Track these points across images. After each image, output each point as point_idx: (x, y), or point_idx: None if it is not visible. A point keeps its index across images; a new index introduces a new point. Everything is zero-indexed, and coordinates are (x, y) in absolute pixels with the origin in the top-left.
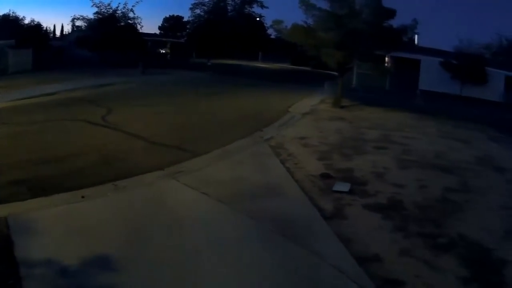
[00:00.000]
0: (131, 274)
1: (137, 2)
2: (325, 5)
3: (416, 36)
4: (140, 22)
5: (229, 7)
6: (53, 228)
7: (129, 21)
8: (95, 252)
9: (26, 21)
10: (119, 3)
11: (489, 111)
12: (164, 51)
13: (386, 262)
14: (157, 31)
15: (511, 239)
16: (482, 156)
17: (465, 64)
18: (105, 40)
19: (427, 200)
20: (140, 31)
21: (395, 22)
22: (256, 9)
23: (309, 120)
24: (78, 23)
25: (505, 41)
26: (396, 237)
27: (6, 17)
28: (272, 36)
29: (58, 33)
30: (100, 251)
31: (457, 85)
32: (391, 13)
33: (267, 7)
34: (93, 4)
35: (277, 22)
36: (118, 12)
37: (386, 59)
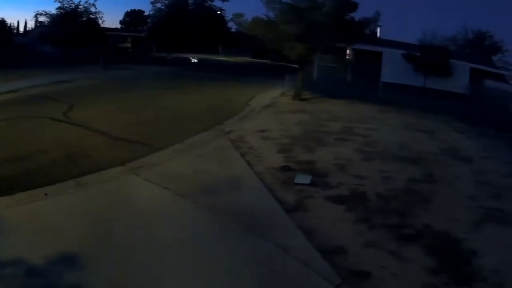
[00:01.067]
0: (93, 270)
1: None
2: None
3: (378, 29)
4: (102, 17)
5: (190, 1)
6: (17, 227)
7: (91, 16)
8: (59, 250)
9: None
10: None
11: (453, 103)
12: (125, 46)
13: (351, 253)
14: (119, 26)
15: (479, 228)
16: (447, 147)
17: (428, 57)
18: (68, 36)
19: (391, 191)
20: (102, 26)
21: (358, 14)
22: (216, 2)
23: (269, 113)
24: (41, 18)
25: (471, 33)
26: (360, 229)
27: None
28: (233, 30)
29: (22, 29)
30: (64, 249)
31: (421, 77)
32: (353, 6)
33: (227, 0)
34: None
35: (238, 15)
36: (80, 7)
37: (348, 51)
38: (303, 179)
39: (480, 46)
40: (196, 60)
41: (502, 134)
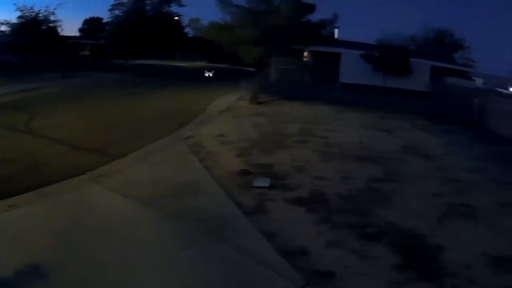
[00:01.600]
0: (58, 280)
1: (59, 5)
2: (243, 2)
3: (336, 30)
4: (61, 25)
5: (147, 7)
6: None
7: (50, 24)
8: (25, 260)
9: None
10: (41, 6)
11: (414, 101)
12: (84, 54)
13: (313, 254)
14: (78, 34)
15: (444, 224)
16: (408, 145)
17: (387, 56)
18: (28, 45)
19: (352, 191)
20: (61, 34)
21: (316, 16)
22: (173, 8)
23: (227, 117)
24: (2, 28)
25: (431, 32)
26: (322, 229)
27: None
28: (190, 35)
29: None
30: (30, 259)
31: (380, 77)
32: (310, 8)
33: (184, 6)
34: (17, 8)
35: (194, 20)
36: (40, 15)
37: (305, 53)
38: (262, 182)
39: (441, 44)
40: (210, 74)
41: (463, 130)
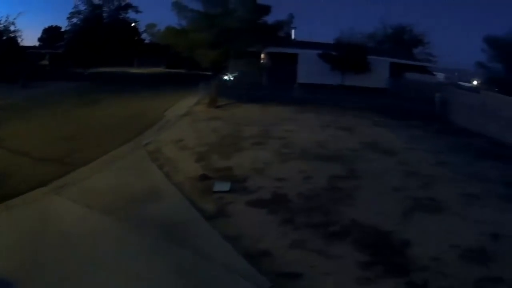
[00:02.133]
0: None
1: (19, 14)
2: (198, 6)
3: (293, 31)
4: (21, 35)
5: (104, 14)
6: None
7: (11, 34)
8: None
9: None
10: (1, 17)
11: (373, 98)
12: (44, 63)
13: (278, 256)
14: (37, 43)
15: (409, 219)
16: (368, 142)
17: (345, 55)
18: None
19: (313, 190)
20: (21, 44)
21: (274, 16)
22: (131, 14)
23: (186, 122)
24: None
25: (390, 29)
26: (285, 230)
27: None
28: (147, 41)
29: None
30: None
31: (338, 75)
32: (266, 10)
33: (141, 12)
34: None
35: (151, 26)
36: (0, 26)
37: (262, 55)
38: (222, 186)
39: (400, 41)
40: (231, 78)
41: (424, 124)
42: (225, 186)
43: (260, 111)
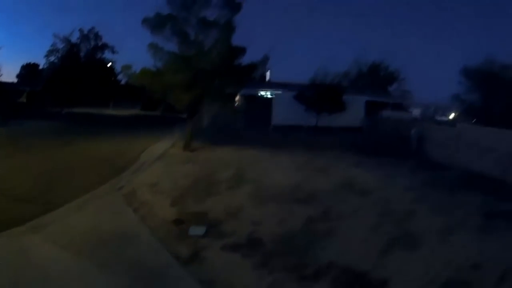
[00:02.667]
0: None
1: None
2: (174, 48)
3: (268, 72)
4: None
5: (82, 53)
6: None
7: None
8: None
9: None
10: None
11: (348, 137)
12: (21, 101)
13: None
14: (15, 80)
15: (385, 257)
16: (342, 182)
17: (320, 95)
18: None
19: (288, 233)
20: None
21: (248, 57)
22: (108, 54)
23: (160, 165)
24: None
25: (365, 67)
26: (260, 274)
27: None
28: (123, 82)
29: None
30: None
31: (314, 116)
32: (241, 51)
33: (117, 52)
34: None
35: (126, 67)
36: None
37: (238, 97)
38: (197, 230)
39: (375, 78)
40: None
41: (400, 161)
42: (200, 230)
43: (234, 154)
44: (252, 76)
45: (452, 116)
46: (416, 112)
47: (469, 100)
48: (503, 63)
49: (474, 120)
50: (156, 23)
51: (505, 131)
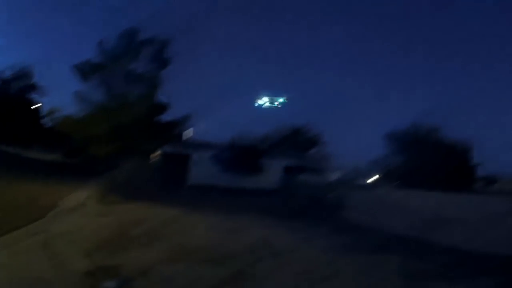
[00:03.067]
0: None
1: None
2: (98, 98)
3: (188, 130)
4: None
5: (9, 92)
6: None
7: None
8: None
9: None
10: None
11: (265, 200)
12: None
13: None
14: None
15: None
16: (255, 244)
17: (238, 156)
18: None
19: None
20: None
21: (170, 114)
22: (36, 95)
23: (77, 216)
24: None
25: (285, 130)
26: None
27: None
28: (48, 126)
29: None
30: None
31: (232, 177)
32: (163, 108)
33: (46, 95)
34: None
35: (52, 111)
36: None
37: (157, 153)
38: (109, 285)
39: (295, 142)
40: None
41: (317, 224)
42: (112, 285)
43: (150, 210)
44: (173, 133)
45: (373, 179)
46: (336, 175)
47: (391, 164)
48: (428, 126)
49: (397, 182)
50: (86, 70)
51: (426, 193)
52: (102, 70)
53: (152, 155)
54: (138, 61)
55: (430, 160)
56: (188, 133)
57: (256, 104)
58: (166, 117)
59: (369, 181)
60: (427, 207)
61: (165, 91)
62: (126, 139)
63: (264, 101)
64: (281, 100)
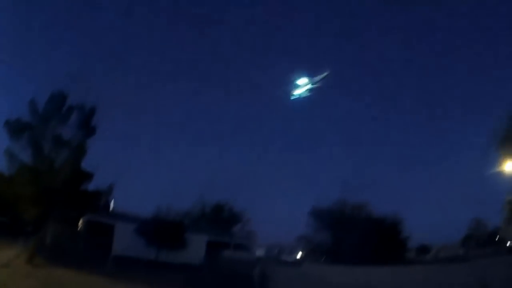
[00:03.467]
0: None
1: None
2: (28, 159)
3: (112, 201)
4: None
5: None
6: None
7: None
8: None
9: None
10: None
11: (186, 275)
12: None
13: None
14: None
15: None
16: None
17: (161, 230)
18: None
19: None
20: None
21: (96, 183)
22: None
23: (2, 275)
24: None
25: (208, 207)
26: None
27: None
28: None
29: None
30: None
31: (154, 250)
32: (88, 176)
33: None
34: None
35: None
36: None
37: (81, 221)
38: None
39: (218, 218)
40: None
41: None
42: None
43: (74, 277)
44: (96, 203)
45: (298, 255)
46: (260, 252)
47: (317, 240)
48: (355, 202)
49: (323, 258)
50: (15, 129)
51: (352, 268)
52: (31, 130)
53: (77, 222)
54: (66, 126)
55: (358, 235)
56: (112, 203)
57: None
58: (91, 185)
59: (294, 257)
60: (354, 282)
61: (91, 159)
62: (51, 204)
63: None
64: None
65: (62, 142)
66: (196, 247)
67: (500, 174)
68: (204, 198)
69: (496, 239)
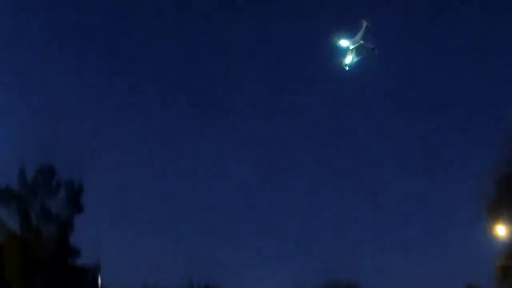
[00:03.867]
0: None
1: None
2: (16, 227)
3: (99, 277)
4: None
5: None
6: None
7: None
8: None
9: None
10: None
11: None
12: None
13: None
14: None
15: None
16: None
17: None
18: None
19: None
20: None
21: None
22: None
23: None
24: None
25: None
26: None
27: None
28: None
29: None
30: None
31: None
32: (76, 252)
33: None
34: None
35: None
36: None
37: None
38: None
39: None
40: None
41: None
42: None
43: None
44: (84, 278)
45: None
46: None
47: None
48: (347, 282)
49: None
50: (4, 197)
51: None
52: (20, 200)
53: None
54: (55, 200)
55: None
56: (100, 280)
57: None
58: (79, 261)
59: None
60: None
61: (78, 235)
62: (38, 275)
63: None
64: None
65: (51, 216)
66: None
67: (490, 239)
68: (193, 278)
69: None
